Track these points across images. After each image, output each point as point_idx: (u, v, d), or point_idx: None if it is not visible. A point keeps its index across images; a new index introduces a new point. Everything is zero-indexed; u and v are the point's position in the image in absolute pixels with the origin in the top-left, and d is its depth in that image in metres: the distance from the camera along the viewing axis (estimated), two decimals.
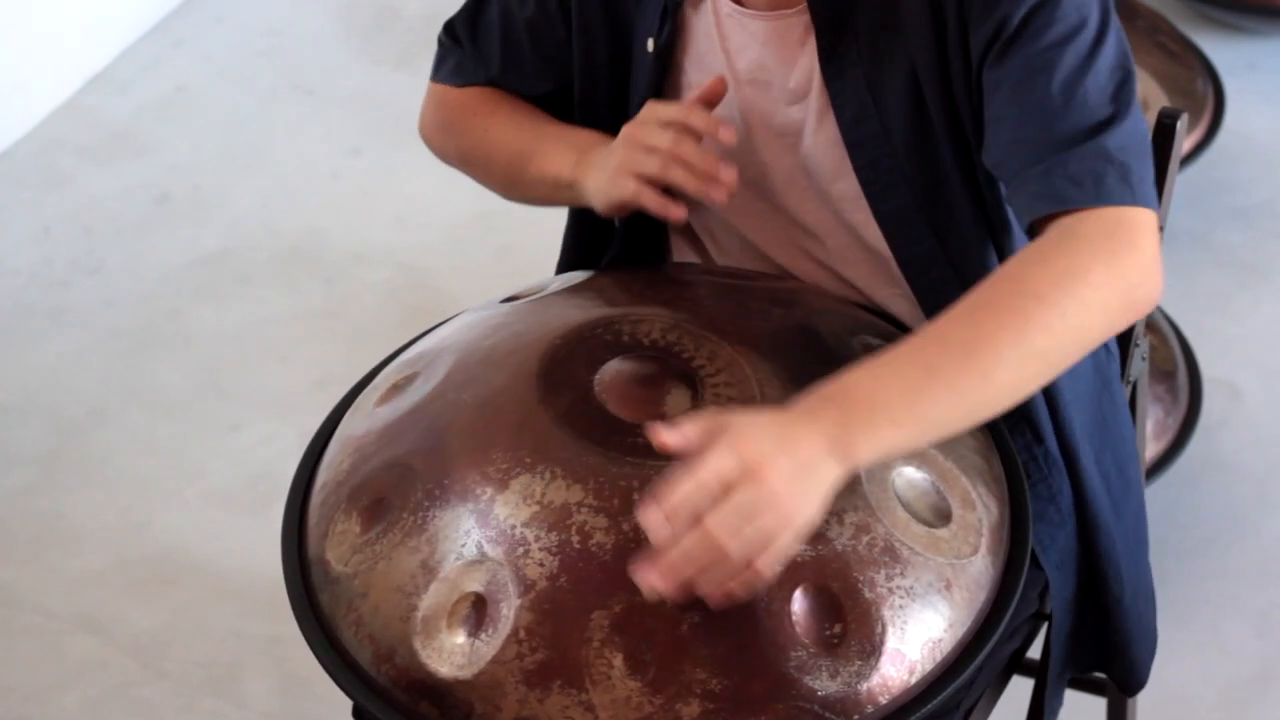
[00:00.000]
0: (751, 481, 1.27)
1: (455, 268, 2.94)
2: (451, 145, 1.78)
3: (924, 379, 1.34)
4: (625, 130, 1.57)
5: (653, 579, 1.28)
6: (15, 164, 3.16)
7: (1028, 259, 1.39)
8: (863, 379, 1.33)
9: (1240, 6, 3.26)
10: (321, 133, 3.23)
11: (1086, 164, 1.41)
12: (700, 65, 1.61)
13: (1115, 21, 1.48)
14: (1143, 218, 1.41)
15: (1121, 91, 1.45)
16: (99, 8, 3.35)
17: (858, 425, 1.31)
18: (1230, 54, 3.25)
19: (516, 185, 1.71)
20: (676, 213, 1.55)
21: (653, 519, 1.28)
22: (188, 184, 3.13)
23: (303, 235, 3.01)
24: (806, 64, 1.55)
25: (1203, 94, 2.90)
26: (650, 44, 1.61)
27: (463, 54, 1.77)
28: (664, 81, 1.63)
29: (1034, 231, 1.43)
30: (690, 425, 1.30)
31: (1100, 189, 1.41)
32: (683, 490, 1.27)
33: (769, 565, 1.28)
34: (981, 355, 1.35)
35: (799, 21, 1.54)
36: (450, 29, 1.78)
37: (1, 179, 3.14)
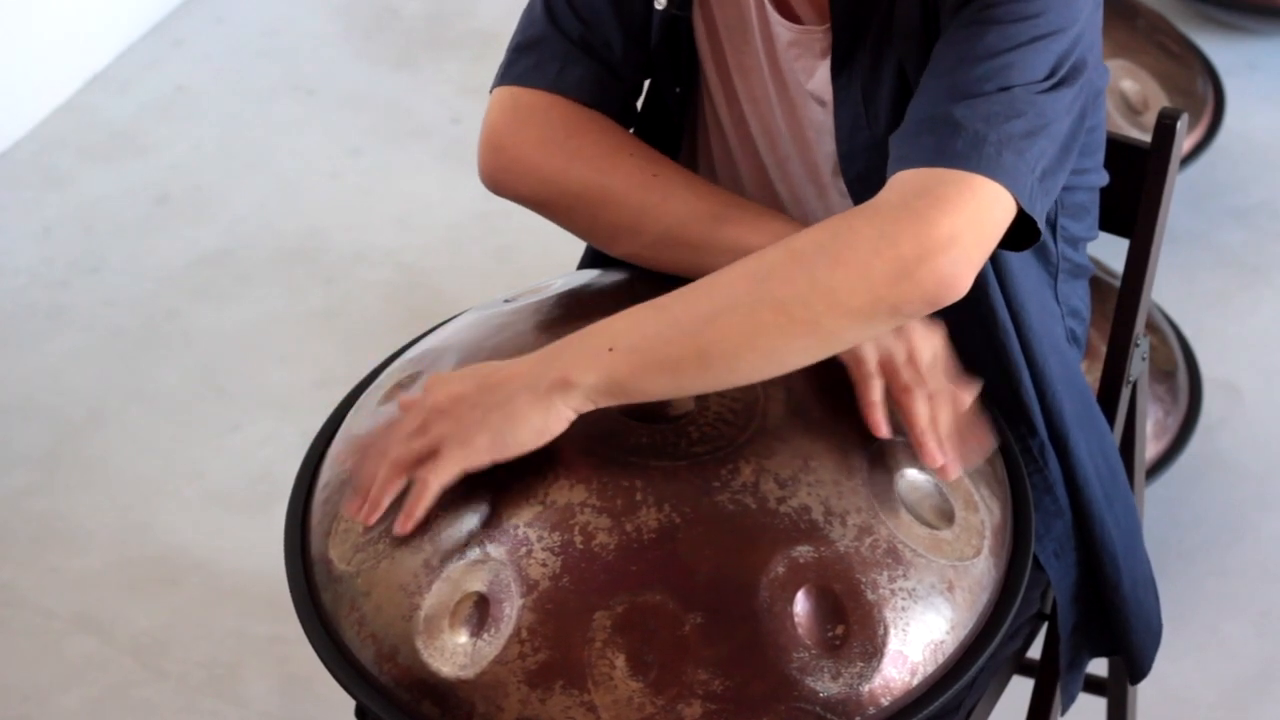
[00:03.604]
0: (422, 403, 1.39)
1: (455, 268, 2.94)
2: (554, 168, 1.56)
3: (650, 313, 1.37)
4: None
5: (349, 506, 1.41)
6: (15, 164, 3.16)
7: (827, 219, 1.38)
8: (601, 321, 1.38)
9: (1240, 6, 3.26)
10: (321, 133, 3.23)
11: (937, 125, 1.37)
12: (732, 27, 1.59)
13: (1071, 39, 1.42)
14: (972, 186, 1.35)
15: (1035, 85, 1.39)
16: (99, 8, 3.35)
17: (572, 353, 1.36)
18: (1230, 54, 3.26)
19: (674, 244, 1.53)
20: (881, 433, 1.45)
21: (358, 511, 1.41)
22: (188, 184, 3.12)
23: (303, 235, 3.01)
24: (823, 75, 1.55)
25: (1203, 94, 2.90)
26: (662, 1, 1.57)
27: (569, 46, 1.58)
28: (679, 42, 1.60)
29: None
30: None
31: (939, 149, 1.36)
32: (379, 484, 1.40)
33: (435, 475, 1.36)
34: (713, 294, 1.36)
35: (823, 37, 1.54)
36: (552, 17, 1.59)
37: (1, 179, 3.13)
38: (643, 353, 1.35)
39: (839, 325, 1.35)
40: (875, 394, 1.43)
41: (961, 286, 1.35)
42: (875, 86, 1.51)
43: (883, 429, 1.43)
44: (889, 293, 1.34)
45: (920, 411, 1.43)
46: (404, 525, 1.37)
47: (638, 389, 1.37)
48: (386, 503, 1.39)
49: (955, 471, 1.43)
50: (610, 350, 1.35)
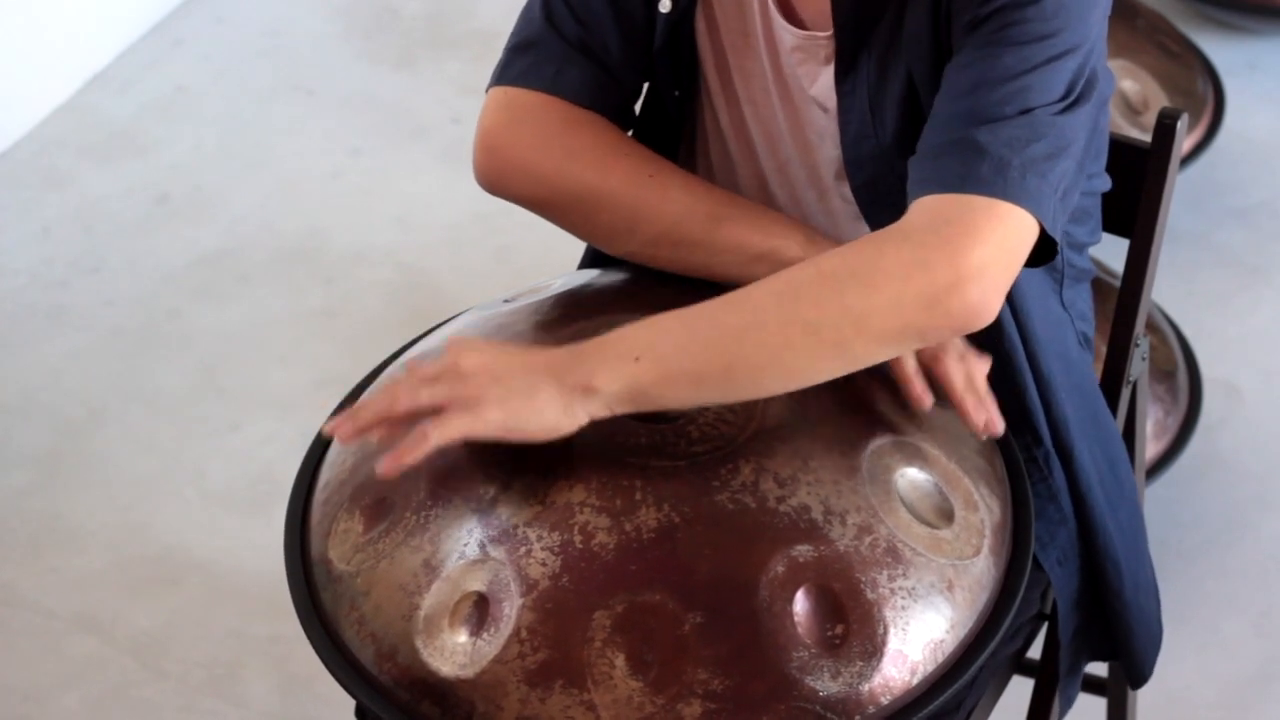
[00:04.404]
0: (446, 359, 1.38)
1: (455, 268, 2.94)
2: (550, 168, 1.56)
3: (677, 325, 1.37)
4: None
5: (340, 426, 1.38)
6: (15, 164, 3.16)
7: (854, 241, 1.39)
8: (627, 327, 1.38)
9: (1240, 6, 3.26)
10: (321, 133, 3.23)
11: (960, 149, 1.38)
12: (734, 30, 1.59)
13: (1084, 54, 1.43)
14: (999, 213, 1.36)
15: (1053, 105, 1.40)
16: (99, 8, 3.35)
17: (599, 358, 1.36)
18: (1230, 54, 3.25)
19: (673, 243, 1.54)
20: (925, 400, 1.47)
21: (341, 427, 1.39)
22: (188, 184, 3.12)
23: (303, 235, 3.01)
24: (826, 81, 1.55)
25: (1203, 94, 2.90)
26: (667, 4, 1.57)
27: (566, 48, 1.58)
28: (680, 45, 1.60)
29: None
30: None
31: (965, 175, 1.36)
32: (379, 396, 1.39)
33: (438, 432, 1.34)
34: (741, 311, 1.36)
35: (828, 43, 1.53)
36: (549, 18, 1.58)
37: (1, 179, 3.13)
38: (668, 364, 1.36)
39: (866, 348, 1.36)
40: (909, 366, 1.45)
41: (990, 314, 1.36)
42: (882, 95, 1.51)
43: (927, 399, 1.45)
44: (918, 319, 1.35)
45: (955, 373, 1.46)
46: (388, 468, 1.35)
47: (659, 399, 1.37)
48: (371, 433, 1.38)
49: (1001, 425, 1.47)
50: (636, 360, 1.35)
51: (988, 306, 1.36)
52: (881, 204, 1.54)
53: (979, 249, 1.35)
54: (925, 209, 1.38)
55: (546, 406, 1.35)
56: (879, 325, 1.35)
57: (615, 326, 1.46)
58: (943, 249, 1.34)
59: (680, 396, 1.37)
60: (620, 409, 1.37)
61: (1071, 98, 1.41)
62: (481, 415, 1.35)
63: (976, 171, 1.36)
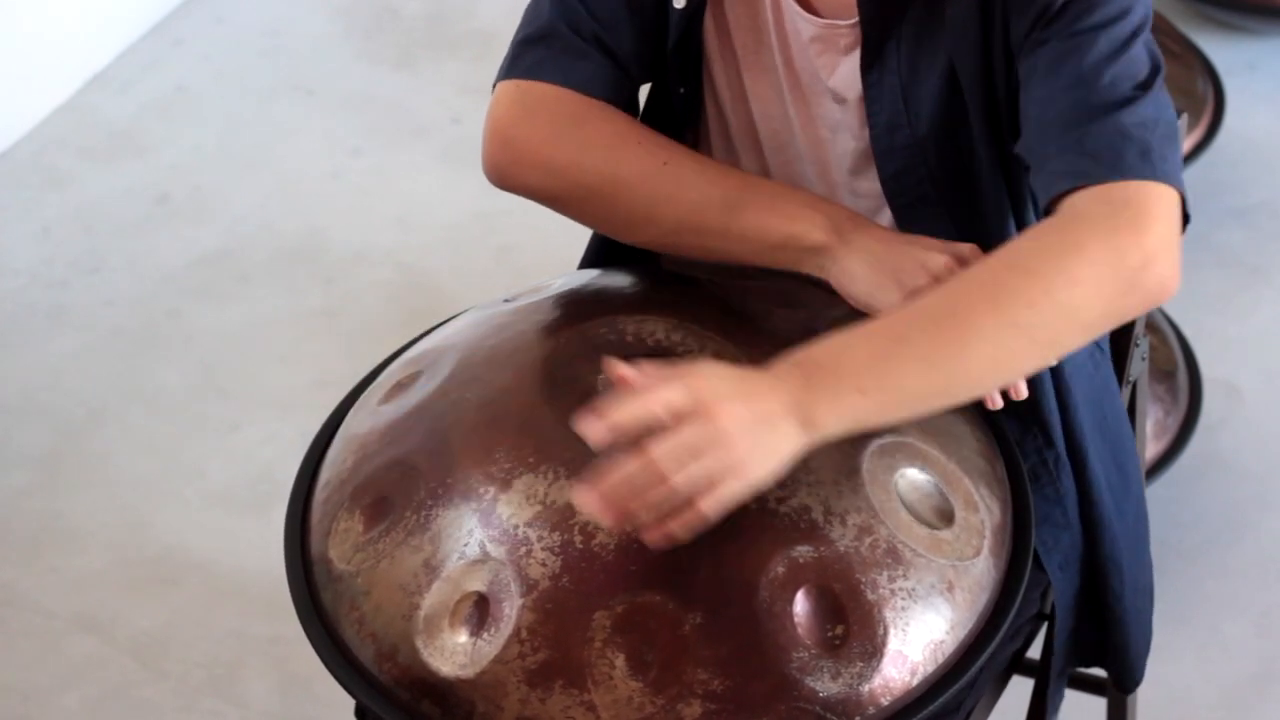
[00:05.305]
0: (703, 418, 1.25)
1: (455, 268, 2.94)
2: (565, 160, 1.54)
3: (893, 347, 1.32)
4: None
5: (593, 502, 1.26)
6: (15, 164, 3.16)
7: (1025, 236, 1.38)
8: (831, 347, 1.31)
9: (1240, 6, 3.26)
10: (321, 133, 3.23)
11: (1104, 139, 1.39)
12: (744, 27, 1.59)
13: (1148, 26, 1.45)
14: (1158, 194, 1.38)
15: (1151, 80, 1.42)
16: (99, 8, 3.35)
17: (822, 393, 1.29)
18: (1230, 54, 3.26)
19: (691, 231, 1.52)
20: None
21: (593, 428, 1.25)
22: (188, 184, 3.13)
23: (303, 235, 3.01)
24: (847, 71, 1.54)
25: (1203, 94, 2.90)
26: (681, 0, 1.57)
27: (579, 41, 1.57)
28: (690, 42, 1.60)
29: (1050, 211, 1.40)
30: (650, 366, 1.29)
31: (1116, 163, 1.38)
32: (628, 408, 1.25)
33: (712, 507, 1.27)
34: (956, 326, 1.33)
35: (849, 32, 1.53)
36: (562, 11, 1.57)
37: (1, 179, 3.14)
38: (893, 393, 1.32)
39: (1075, 340, 1.37)
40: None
41: (1174, 288, 1.39)
42: (915, 85, 1.50)
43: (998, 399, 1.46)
44: (1118, 303, 1.36)
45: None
46: (660, 542, 1.29)
47: (874, 426, 1.34)
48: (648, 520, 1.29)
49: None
50: (863, 393, 1.31)
51: (1174, 280, 1.38)
52: (910, 196, 1.54)
53: (1156, 227, 1.37)
54: (1090, 199, 1.38)
55: (783, 444, 1.29)
56: (1087, 316, 1.35)
57: (617, 324, 1.47)
58: (1128, 233, 1.36)
59: (887, 421, 1.35)
60: (834, 438, 1.32)
61: (1158, 71, 1.44)
62: (750, 479, 1.28)
63: (1126, 158, 1.38)
